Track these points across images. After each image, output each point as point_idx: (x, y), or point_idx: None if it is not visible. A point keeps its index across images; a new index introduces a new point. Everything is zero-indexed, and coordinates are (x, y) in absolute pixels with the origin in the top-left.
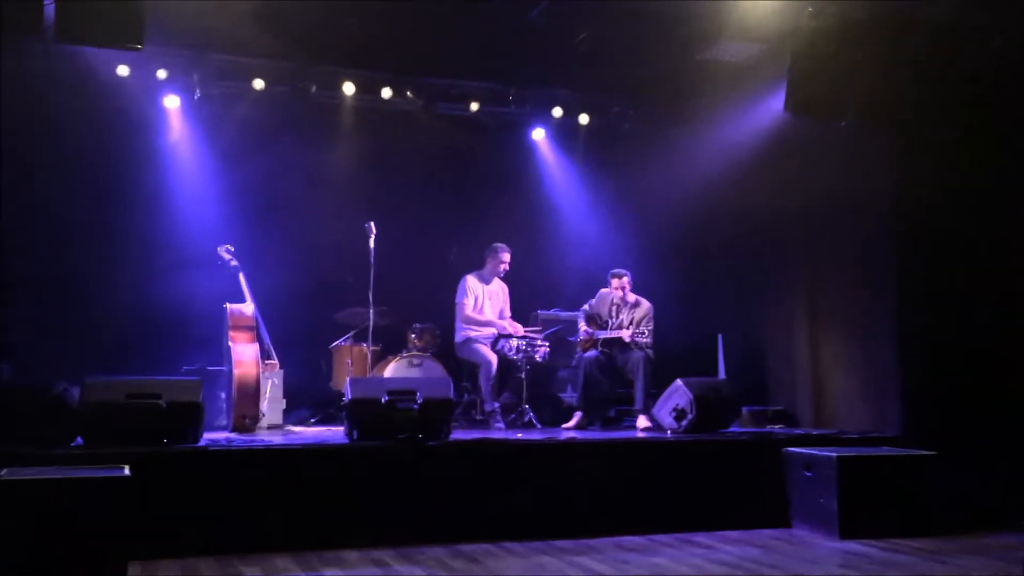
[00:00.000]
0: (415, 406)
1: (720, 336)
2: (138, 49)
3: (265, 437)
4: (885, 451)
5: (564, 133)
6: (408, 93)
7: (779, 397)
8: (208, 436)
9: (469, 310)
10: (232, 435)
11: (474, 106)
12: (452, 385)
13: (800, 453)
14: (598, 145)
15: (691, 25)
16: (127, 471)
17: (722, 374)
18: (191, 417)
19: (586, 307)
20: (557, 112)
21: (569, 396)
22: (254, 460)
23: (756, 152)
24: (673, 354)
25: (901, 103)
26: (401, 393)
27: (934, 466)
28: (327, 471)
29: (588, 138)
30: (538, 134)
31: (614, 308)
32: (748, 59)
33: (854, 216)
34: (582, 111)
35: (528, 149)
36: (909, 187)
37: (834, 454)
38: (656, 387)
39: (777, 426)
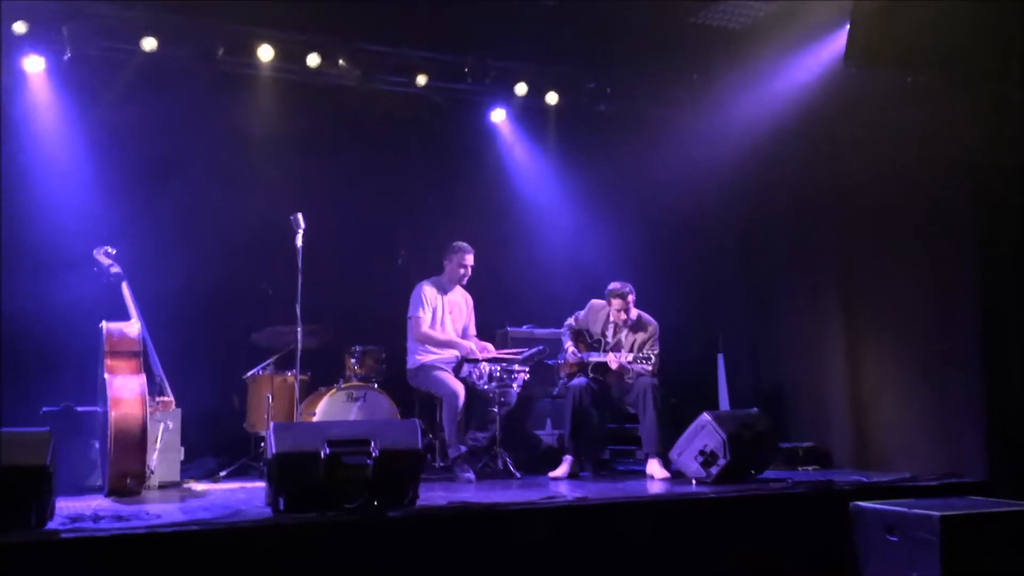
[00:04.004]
0: (369, 461)
1: (721, 356)
2: None
3: (152, 507)
4: (992, 505)
5: (529, 114)
6: (341, 62)
7: (806, 430)
8: (69, 507)
9: (426, 326)
10: (104, 504)
11: (422, 80)
12: (419, 430)
13: (877, 510)
14: (570, 129)
15: None
16: None
17: (725, 403)
18: (33, 488)
19: (571, 321)
20: (520, 89)
21: (548, 434)
22: (130, 552)
23: (769, 131)
24: (664, 377)
25: (995, 52)
26: (349, 443)
27: None
28: (241, 561)
29: (559, 120)
30: (498, 115)
31: (610, 325)
32: (754, 22)
33: (916, 199)
34: (550, 88)
35: (488, 133)
36: (997, 159)
37: (935, 513)
38: None
39: (810, 467)
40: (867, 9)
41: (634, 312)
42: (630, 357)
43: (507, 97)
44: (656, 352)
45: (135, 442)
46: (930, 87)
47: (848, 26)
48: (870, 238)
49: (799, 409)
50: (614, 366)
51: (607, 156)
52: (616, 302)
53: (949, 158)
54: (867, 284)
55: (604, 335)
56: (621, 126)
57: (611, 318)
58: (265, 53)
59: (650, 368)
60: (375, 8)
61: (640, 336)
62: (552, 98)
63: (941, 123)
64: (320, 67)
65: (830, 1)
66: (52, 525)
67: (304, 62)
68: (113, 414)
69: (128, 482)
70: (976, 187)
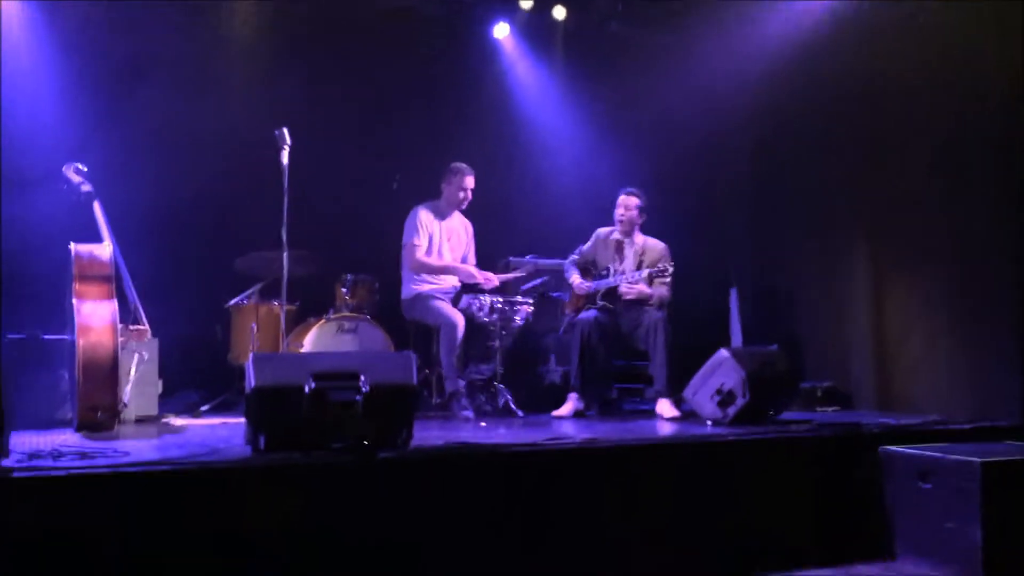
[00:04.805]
0: (358, 397)
1: (734, 290)
2: None
3: (122, 443)
4: None
5: (535, 31)
6: None
7: (823, 369)
8: (32, 443)
9: (421, 254)
10: (71, 440)
11: None
12: (415, 363)
13: (910, 455)
14: (579, 48)
15: None
16: None
17: (737, 339)
18: None
19: (575, 255)
20: (526, 3)
21: (552, 370)
22: (92, 492)
23: (791, 50)
24: (673, 312)
25: None
26: (336, 376)
27: None
28: (215, 507)
29: (567, 39)
30: (501, 31)
31: (617, 251)
32: None
33: (950, 122)
34: (557, 2)
35: (490, 50)
36: None
37: (976, 459)
38: None
39: (829, 409)
40: None
41: (639, 237)
42: (645, 273)
43: (511, 11)
44: (672, 265)
45: (105, 373)
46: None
47: None
48: (897, 165)
49: (817, 347)
50: (633, 294)
51: (618, 78)
52: (620, 198)
53: (990, 76)
54: (893, 214)
55: (613, 261)
56: (633, 45)
57: (616, 239)
58: None
59: (668, 281)
60: None
61: (651, 257)
62: (559, 13)
63: (985, 37)
64: None
65: None
66: (6, 463)
67: None
68: (81, 342)
69: (99, 415)
70: (1019, 110)
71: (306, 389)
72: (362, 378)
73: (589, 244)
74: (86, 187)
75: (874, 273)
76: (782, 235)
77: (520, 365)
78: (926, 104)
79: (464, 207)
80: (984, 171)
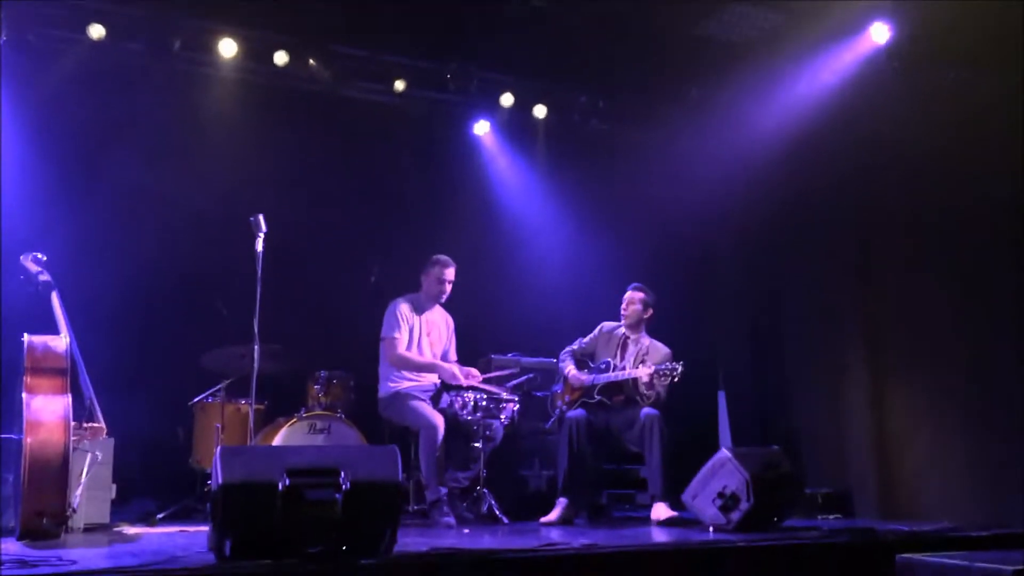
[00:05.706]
0: (338, 495)
1: (722, 393)
2: None
3: (69, 552)
4: None
5: (516, 128)
6: (311, 62)
7: (821, 475)
8: None
9: (402, 347)
10: (12, 548)
11: (400, 86)
12: (399, 459)
13: (932, 564)
14: (561, 144)
15: None
16: None
17: (727, 440)
18: None
19: (573, 346)
20: (507, 100)
21: (536, 474)
22: None
23: (778, 146)
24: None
25: None
26: (313, 472)
27: None
28: None
29: (547, 135)
30: (481, 128)
31: (619, 347)
32: (759, 33)
33: (953, 214)
34: (538, 101)
35: (470, 146)
36: None
37: (1007, 567)
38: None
39: (831, 516)
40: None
41: (645, 339)
42: (652, 368)
43: (492, 108)
44: (682, 365)
45: (53, 474)
46: (975, 84)
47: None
48: (899, 259)
49: (813, 452)
50: (645, 379)
51: (600, 174)
52: (628, 294)
53: (993, 166)
54: (895, 311)
55: (615, 357)
56: (615, 142)
57: (625, 335)
58: (227, 48)
59: (667, 384)
60: (350, 7)
61: (654, 359)
62: (540, 111)
63: (984, 127)
64: (288, 67)
65: (844, 5)
66: None
67: (270, 61)
68: (29, 440)
69: (44, 522)
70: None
71: (280, 486)
72: (342, 474)
73: (591, 336)
74: (44, 277)
75: (875, 371)
76: (776, 335)
77: (504, 468)
78: (932, 198)
79: (444, 300)
80: (994, 267)
